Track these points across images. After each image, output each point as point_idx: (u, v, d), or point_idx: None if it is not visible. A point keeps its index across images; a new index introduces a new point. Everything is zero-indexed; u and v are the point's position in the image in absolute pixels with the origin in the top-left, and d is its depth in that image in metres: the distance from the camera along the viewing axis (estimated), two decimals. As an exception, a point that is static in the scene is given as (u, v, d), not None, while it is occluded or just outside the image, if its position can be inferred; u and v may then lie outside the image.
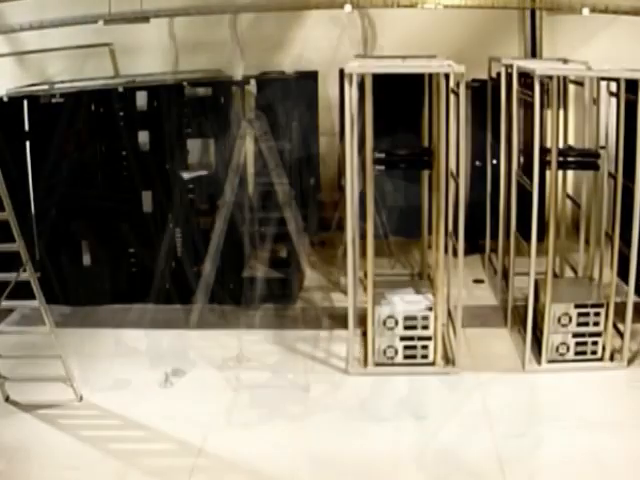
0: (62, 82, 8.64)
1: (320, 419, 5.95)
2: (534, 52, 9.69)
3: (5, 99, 8.05)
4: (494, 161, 8.53)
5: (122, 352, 7.08)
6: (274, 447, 5.59)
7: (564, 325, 6.58)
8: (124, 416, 6.00)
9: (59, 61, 8.90)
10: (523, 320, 6.83)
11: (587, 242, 7.48)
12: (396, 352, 6.64)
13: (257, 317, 7.89)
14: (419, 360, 6.64)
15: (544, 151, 6.53)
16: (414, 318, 6.57)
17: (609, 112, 7.05)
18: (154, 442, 5.68)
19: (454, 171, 6.52)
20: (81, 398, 6.17)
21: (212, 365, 6.84)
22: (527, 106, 7.25)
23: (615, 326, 6.76)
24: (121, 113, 8.02)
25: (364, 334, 6.91)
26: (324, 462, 5.41)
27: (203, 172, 8.04)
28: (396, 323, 6.57)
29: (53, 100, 7.97)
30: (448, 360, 6.71)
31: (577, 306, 6.60)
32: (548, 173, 6.60)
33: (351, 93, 6.15)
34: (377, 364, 6.65)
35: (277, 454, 5.50)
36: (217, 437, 5.72)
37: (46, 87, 8.43)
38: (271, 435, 5.74)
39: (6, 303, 5.79)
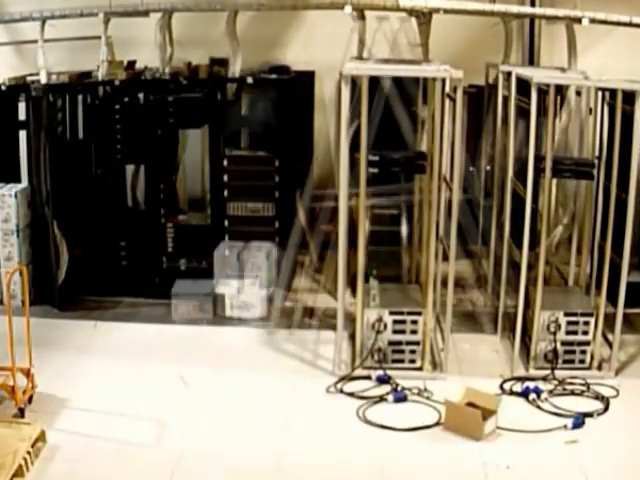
0: (59, 73, 8.60)
1: (301, 421, 5.96)
2: (532, 60, 9.68)
3: (3, 88, 8.06)
4: (488, 167, 8.53)
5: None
6: (257, 444, 5.60)
7: (553, 333, 6.58)
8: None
9: (58, 52, 8.86)
10: (513, 327, 6.83)
11: (579, 251, 7.47)
12: (384, 356, 6.62)
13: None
14: (407, 364, 6.63)
15: (539, 159, 6.52)
16: (403, 322, 6.57)
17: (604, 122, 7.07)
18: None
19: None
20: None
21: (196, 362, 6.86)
22: (523, 113, 7.23)
23: (604, 335, 6.77)
24: (117, 106, 8.04)
25: (352, 337, 6.89)
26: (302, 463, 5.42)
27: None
28: (385, 327, 6.55)
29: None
30: (436, 365, 6.70)
31: (567, 314, 6.60)
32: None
33: (347, 94, 6.13)
34: (364, 367, 6.63)
35: (260, 451, 5.51)
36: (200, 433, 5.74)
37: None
38: (254, 433, 5.75)
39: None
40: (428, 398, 6.19)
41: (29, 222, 8.01)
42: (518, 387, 6.38)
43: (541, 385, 6.31)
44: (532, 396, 6.15)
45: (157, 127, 8.03)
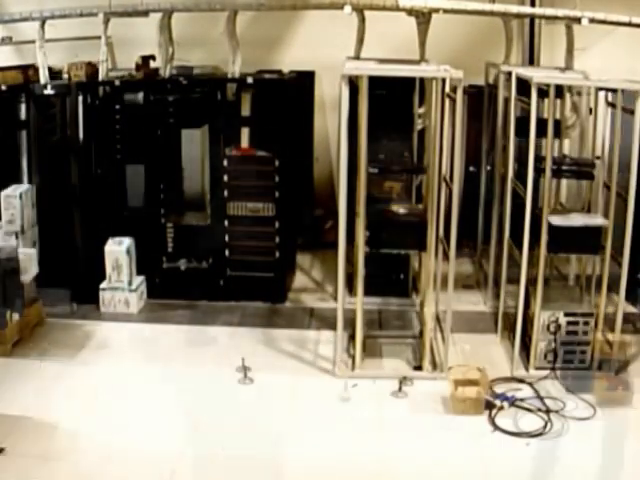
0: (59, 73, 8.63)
1: (301, 420, 5.97)
2: (532, 60, 9.68)
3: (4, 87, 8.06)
4: (488, 167, 8.53)
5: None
6: (257, 444, 5.60)
7: (553, 333, 6.58)
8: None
9: (57, 52, 8.88)
10: (513, 327, 6.83)
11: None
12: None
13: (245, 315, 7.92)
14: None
15: (539, 159, 6.53)
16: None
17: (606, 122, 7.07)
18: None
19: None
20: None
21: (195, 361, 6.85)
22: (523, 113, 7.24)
23: (604, 336, 6.77)
24: (117, 106, 8.04)
25: (352, 336, 6.89)
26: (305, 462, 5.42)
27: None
28: (385, 326, 6.57)
29: (45, 92, 7.98)
30: (436, 365, 6.70)
31: (567, 314, 6.60)
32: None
33: (347, 94, 6.13)
34: (365, 367, 6.63)
35: (259, 451, 5.51)
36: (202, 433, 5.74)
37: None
38: (254, 432, 5.74)
39: None
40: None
41: (33, 223, 8.00)
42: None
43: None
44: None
45: (157, 127, 8.04)
